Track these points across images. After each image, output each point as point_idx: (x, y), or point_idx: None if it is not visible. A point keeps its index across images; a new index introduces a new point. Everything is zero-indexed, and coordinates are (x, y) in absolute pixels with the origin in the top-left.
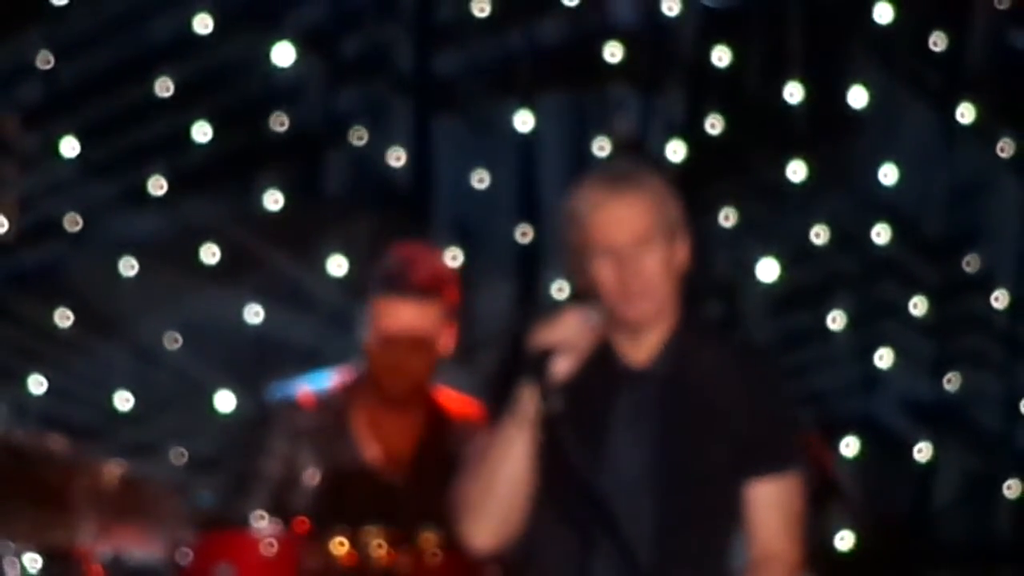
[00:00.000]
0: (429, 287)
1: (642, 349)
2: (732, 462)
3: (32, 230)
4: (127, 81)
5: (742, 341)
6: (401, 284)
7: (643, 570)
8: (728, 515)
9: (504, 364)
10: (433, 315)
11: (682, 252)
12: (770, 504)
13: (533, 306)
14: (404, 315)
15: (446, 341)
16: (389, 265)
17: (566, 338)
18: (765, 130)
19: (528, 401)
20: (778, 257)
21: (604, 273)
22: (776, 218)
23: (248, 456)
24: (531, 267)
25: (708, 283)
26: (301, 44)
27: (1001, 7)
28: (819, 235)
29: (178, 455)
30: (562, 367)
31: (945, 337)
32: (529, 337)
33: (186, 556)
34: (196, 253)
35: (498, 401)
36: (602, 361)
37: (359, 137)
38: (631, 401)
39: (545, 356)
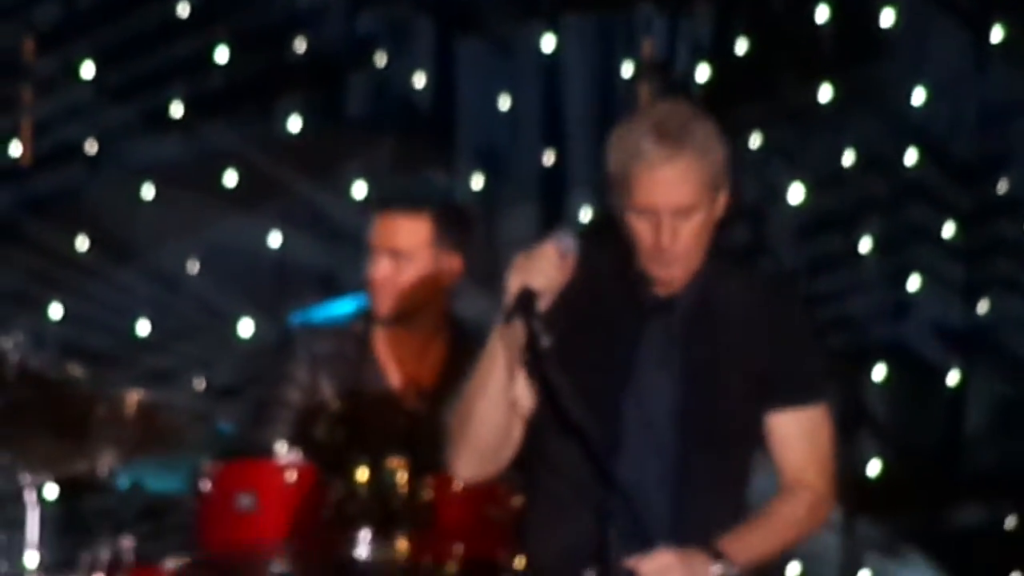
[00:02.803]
0: (410, 201)
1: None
2: (753, 392)
3: (50, 154)
4: (146, 3)
5: (766, 272)
6: (384, 199)
7: (650, 527)
8: (748, 444)
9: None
10: (416, 230)
11: (723, 201)
12: (795, 436)
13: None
14: (385, 229)
15: (449, 266)
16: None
17: (546, 274)
18: (793, 52)
19: (504, 337)
20: (806, 181)
21: (641, 231)
22: (804, 141)
23: (269, 384)
24: (556, 190)
25: (736, 208)
26: None
27: None
28: (848, 158)
29: (199, 382)
30: (543, 302)
31: (976, 261)
32: (509, 274)
33: (207, 484)
34: (217, 178)
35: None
36: (630, 291)
37: (381, 60)
38: (659, 330)
39: (530, 294)
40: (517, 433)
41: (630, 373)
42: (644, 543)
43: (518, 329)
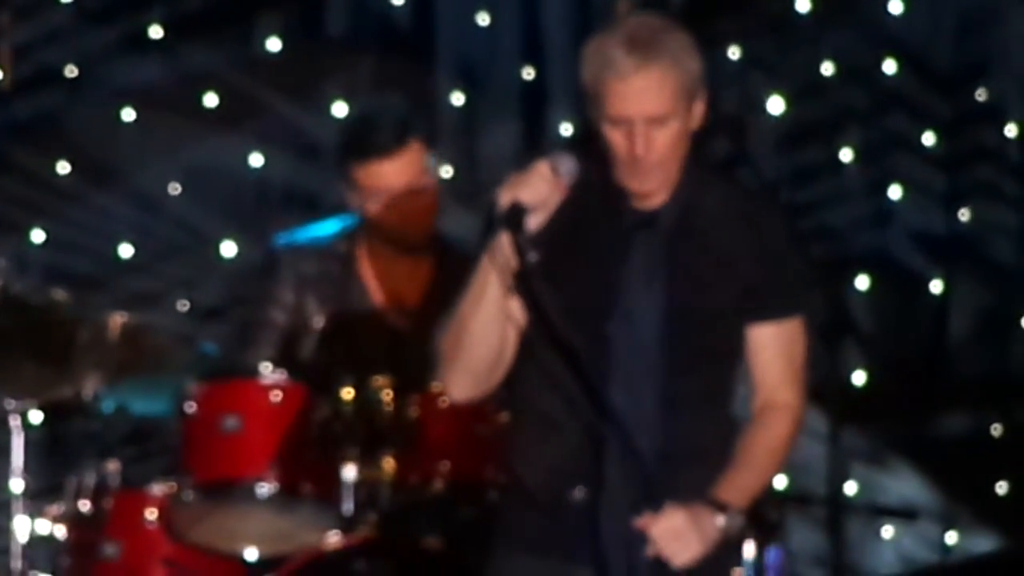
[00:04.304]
0: (395, 141)
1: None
2: (736, 306)
3: (30, 79)
4: None
5: (746, 184)
6: (367, 147)
7: (642, 447)
8: (734, 357)
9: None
10: (403, 168)
11: (698, 111)
12: (772, 349)
13: (539, 146)
14: (369, 175)
15: (432, 183)
16: (350, 131)
17: (538, 191)
18: None
19: (497, 254)
20: (786, 92)
21: (616, 142)
22: (783, 53)
23: (254, 306)
24: (536, 106)
25: (716, 120)
26: None
27: None
28: (827, 69)
29: (182, 304)
30: (534, 220)
31: (957, 170)
32: (501, 191)
33: (192, 406)
34: (197, 99)
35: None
36: (613, 209)
37: None
38: (643, 248)
39: (519, 210)
40: (509, 352)
41: (617, 293)
42: (636, 465)
43: (506, 245)
